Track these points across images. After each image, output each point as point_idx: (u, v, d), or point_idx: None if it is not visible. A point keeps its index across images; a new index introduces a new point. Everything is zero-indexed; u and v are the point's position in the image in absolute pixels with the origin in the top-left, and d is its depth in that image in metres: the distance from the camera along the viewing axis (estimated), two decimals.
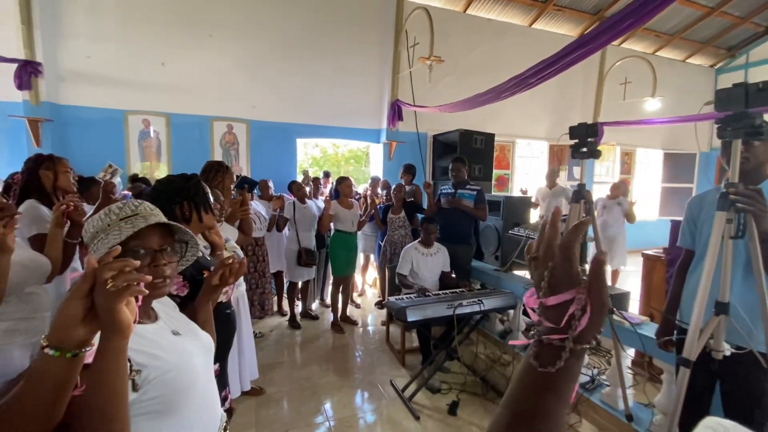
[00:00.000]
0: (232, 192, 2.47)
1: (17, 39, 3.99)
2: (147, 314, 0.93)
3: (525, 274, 4.90)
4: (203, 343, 1.01)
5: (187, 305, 1.17)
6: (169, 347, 0.88)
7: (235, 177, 2.42)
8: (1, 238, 1.16)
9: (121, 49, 4.46)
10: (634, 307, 3.15)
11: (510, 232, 3.85)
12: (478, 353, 3.27)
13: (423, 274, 3.29)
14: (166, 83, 4.63)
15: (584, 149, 2.04)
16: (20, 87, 4.00)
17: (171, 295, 1.24)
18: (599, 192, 6.61)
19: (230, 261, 1.12)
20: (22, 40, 3.99)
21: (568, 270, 0.46)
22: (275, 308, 4.55)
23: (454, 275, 3.46)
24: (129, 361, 0.77)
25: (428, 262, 3.30)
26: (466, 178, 3.71)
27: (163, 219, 0.89)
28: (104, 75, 4.43)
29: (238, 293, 2.08)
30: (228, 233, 2.15)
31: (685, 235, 1.76)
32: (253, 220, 3.44)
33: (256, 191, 3.87)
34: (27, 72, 3.99)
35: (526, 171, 7.06)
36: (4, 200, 1.23)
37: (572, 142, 2.09)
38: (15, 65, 3.95)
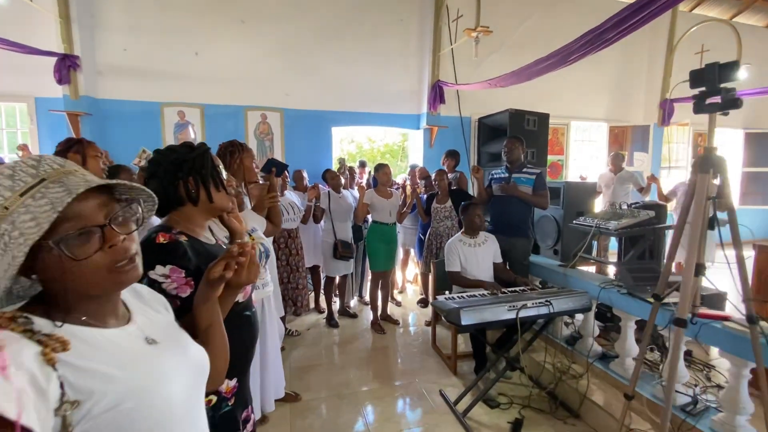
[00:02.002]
0: (258, 176, 2.20)
1: (56, 33, 4.00)
2: (112, 313, 0.63)
3: (611, 272, 4.33)
4: (191, 359, 0.70)
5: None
6: (132, 363, 0.58)
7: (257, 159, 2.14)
8: None
9: (156, 41, 4.38)
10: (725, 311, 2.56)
11: (575, 222, 3.34)
12: (542, 362, 2.82)
13: (472, 270, 2.88)
14: (200, 73, 4.51)
15: (714, 100, 1.54)
16: (60, 81, 4.00)
17: (170, 296, 0.96)
18: (667, 181, 5.83)
19: (238, 250, 0.81)
20: (60, 35, 3.99)
21: None
22: (312, 305, 4.32)
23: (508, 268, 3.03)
24: (61, 387, 0.48)
25: (477, 253, 2.89)
26: (523, 161, 3.25)
27: (89, 176, 0.58)
28: (140, 67, 4.37)
29: (263, 294, 1.79)
30: (255, 222, 1.87)
31: None
32: (286, 210, 3.19)
33: (290, 181, 3.63)
34: (66, 66, 3.99)
35: (582, 156, 6.38)
36: None
37: (694, 92, 1.60)
38: (54, 60, 3.96)
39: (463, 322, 2.14)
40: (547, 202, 3.13)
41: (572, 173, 6.12)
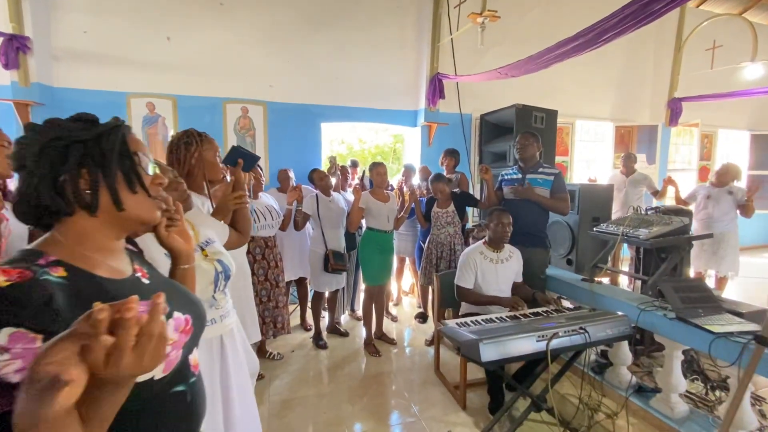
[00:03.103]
0: (224, 171, 1.75)
1: (3, 11, 3.47)
2: None
3: (623, 284, 3.95)
4: None
5: None
6: None
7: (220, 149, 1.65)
8: None
9: (122, 23, 3.88)
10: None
11: (596, 229, 2.95)
12: (566, 394, 2.41)
13: (488, 289, 2.46)
14: (173, 61, 4.02)
15: None
16: (6, 66, 3.48)
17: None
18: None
19: (100, 319, 0.37)
20: (8, 13, 3.47)
21: None
22: (299, 321, 3.85)
23: (525, 286, 2.61)
24: None
25: (497, 271, 2.47)
26: (538, 159, 2.85)
27: None
28: (103, 53, 3.86)
29: (222, 328, 1.32)
30: (213, 231, 1.41)
31: None
32: (261, 215, 2.73)
33: (263, 181, 3.15)
34: (14, 48, 3.47)
35: (586, 157, 6.04)
36: None
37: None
38: (0, 41, 3.43)
39: (484, 358, 1.71)
40: (568, 207, 2.74)
41: (577, 175, 5.77)
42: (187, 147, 1.60)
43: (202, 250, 1.25)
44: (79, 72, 3.82)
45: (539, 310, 2.25)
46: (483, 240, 2.54)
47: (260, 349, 3.15)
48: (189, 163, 1.60)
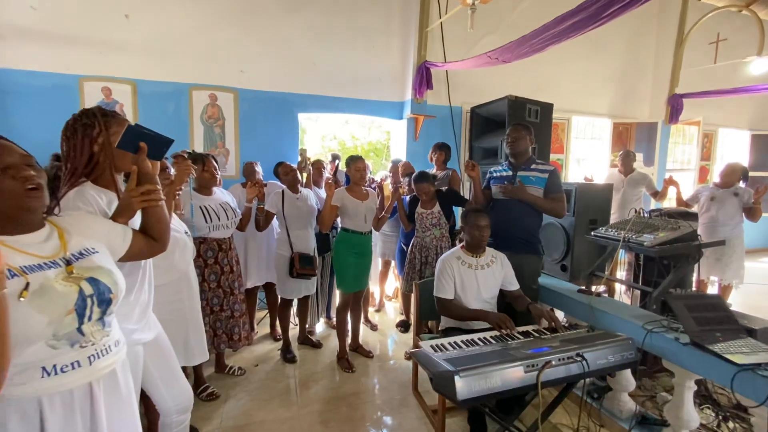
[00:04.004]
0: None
1: None
2: None
3: (619, 291, 3.64)
4: None
5: None
6: None
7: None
8: None
9: None
10: None
11: (594, 234, 2.64)
12: (558, 424, 2.10)
13: (470, 299, 2.14)
14: (132, 41, 3.64)
15: None
16: None
17: None
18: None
19: None
20: None
21: None
22: (268, 330, 3.52)
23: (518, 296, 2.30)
24: None
25: (477, 278, 2.15)
26: (531, 155, 2.53)
27: None
28: (53, 31, 3.47)
29: (91, 373, 0.95)
30: (102, 239, 1.07)
31: None
32: (215, 213, 2.38)
33: (218, 174, 2.78)
34: None
35: (582, 155, 5.75)
36: None
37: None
38: None
39: (461, 396, 1.39)
40: (564, 208, 2.42)
41: (572, 174, 5.48)
42: (87, 131, 1.26)
43: (67, 265, 0.91)
44: (25, 52, 3.43)
45: (530, 329, 1.94)
46: (460, 244, 2.22)
47: (219, 363, 2.82)
48: (89, 151, 1.26)
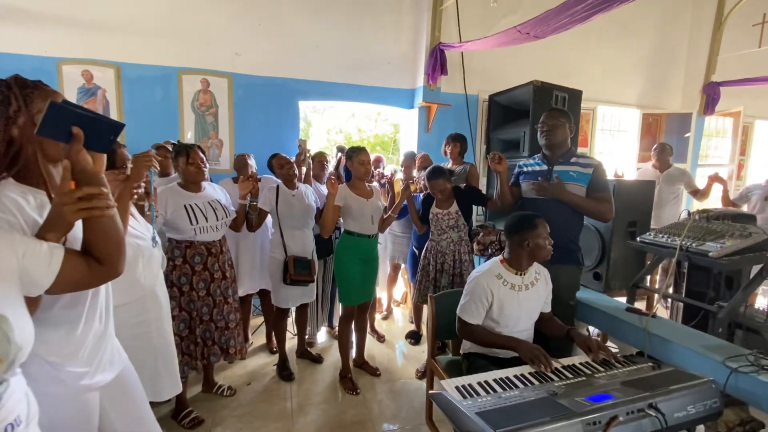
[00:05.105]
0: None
1: None
2: None
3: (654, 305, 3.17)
4: None
5: None
6: None
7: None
8: None
9: None
10: None
11: (641, 240, 2.25)
12: None
13: (507, 323, 1.76)
14: (115, 20, 3.28)
15: None
16: None
17: None
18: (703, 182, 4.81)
19: None
20: None
21: None
22: (264, 341, 3.19)
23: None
24: None
25: (522, 301, 1.77)
26: (570, 146, 2.13)
27: None
28: (27, 8, 3.12)
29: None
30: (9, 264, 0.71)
31: None
32: (201, 213, 2.03)
33: (206, 168, 2.43)
34: None
35: (607, 149, 5.31)
36: None
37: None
38: None
39: None
40: (611, 211, 2.02)
41: None
42: (1, 109, 0.90)
43: None
44: None
45: (577, 362, 1.56)
46: (500, 257, 1.83)
47: (207, 381, 2.49)
48: (6, 136, 0.91)
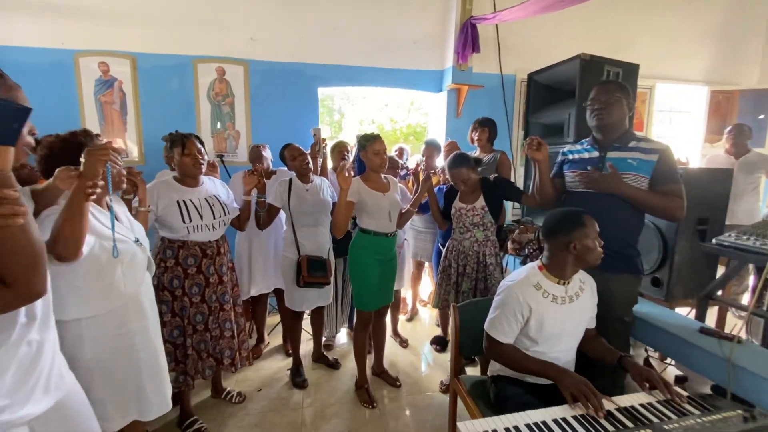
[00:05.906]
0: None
1: None
2: None
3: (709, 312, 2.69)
4: None
5: None
6: None
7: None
8: None
9: None
10: None
11: (716, 241, 1.83)
12: None
13: (546, 342, 1.45)
14: (130, 11, 3.19)
15: None
16: None
17: None
18: None
19: None
20: None
21: None
22: (281, 341, 3.04)
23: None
24: None
25: (566, 316, 1.45)
26: (628, 128, 1.74)
27: None
28: (45, 3, 3.08)
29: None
30: None
31: None
32: (196, 211, 1.84)
33: (218, 162, 2.25)
34: None
35: (668, 132, 4.69)
36: None
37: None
38: None
39: None
40: (683, 207, 1.61)
41: None
42: None
43: None
44: (16, 26, 3.08)
45: (637, 403, 1.22)
46: (538, 262, 1.50)
47: (215, 387, 2.36)
48: None
